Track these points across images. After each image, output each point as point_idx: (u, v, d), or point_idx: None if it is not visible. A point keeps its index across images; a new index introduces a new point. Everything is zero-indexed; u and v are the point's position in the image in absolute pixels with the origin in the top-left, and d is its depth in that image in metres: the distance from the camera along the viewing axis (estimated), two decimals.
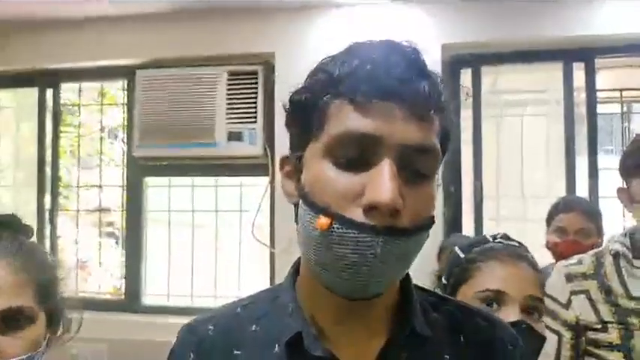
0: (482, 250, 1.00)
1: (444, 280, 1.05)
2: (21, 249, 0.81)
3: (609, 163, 2.60)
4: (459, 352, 0.64)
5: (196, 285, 2.99)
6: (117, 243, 3.91)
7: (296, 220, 0.62)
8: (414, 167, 0.56)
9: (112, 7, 2.74)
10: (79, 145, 3.23)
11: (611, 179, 2.58)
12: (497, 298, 0.93)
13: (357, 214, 0.54)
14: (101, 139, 3.28)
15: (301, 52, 2.61)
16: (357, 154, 0.56)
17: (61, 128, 3.15)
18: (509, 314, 0.91)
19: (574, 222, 1.97)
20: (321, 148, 0.57)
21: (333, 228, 0.54)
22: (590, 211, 2.03)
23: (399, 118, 0.55)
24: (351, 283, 0.56)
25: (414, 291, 0.65)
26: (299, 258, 0.67)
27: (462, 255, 1.03)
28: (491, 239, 1.03)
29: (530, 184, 3.21)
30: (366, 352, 0.61)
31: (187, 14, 2.76)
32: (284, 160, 0.65)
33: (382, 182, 0.53)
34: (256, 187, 2.87)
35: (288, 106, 0.63)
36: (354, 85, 0.56)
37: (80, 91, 3.17)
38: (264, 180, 2.74)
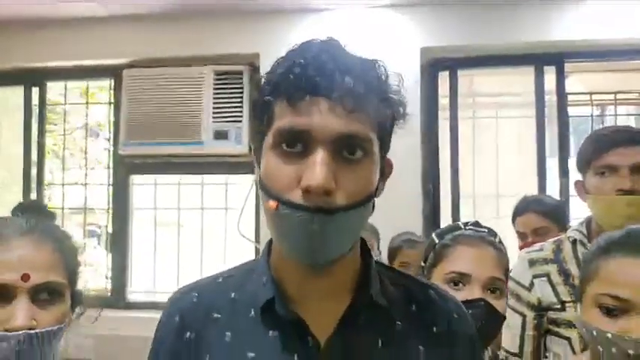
0: (453, 237, 1.11)
1: (422, 263, 1.15)
2: (56, 233, 0.90)
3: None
4: (411, 319, 0.73)
5: (182, 282, 3.03)
6: (100, 240, 3.94)
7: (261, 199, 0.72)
8: (346, 152, 0.65)
9: (99, 8, 2.79)
10: (64, 144, 3.26)
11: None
12: (462, 278, 1.05)
13: (297, 197, 0.64)
14: (86, 137, 3.30)
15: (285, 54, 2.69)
16: (295, 146, 0.65)
17: (47, 127, 3.17)
18: (472, 293, 1.02)
19: (528, 223, 2.01)
20: (270, 142, 0.67)
21: (279, 209, 0.64)
22: (546, 210, 2.03)
23: (327, 112, 0.63)
24: (302, 253, 0.66)
25: (373, 265, 0.75)
26: (271, 238, 0.77)
27: (437, 240, 1.14)
28: (463, 226, 1.13)
29: (504, 183, 3.35)
30: (329, 315, 0.70)
31: (174, 15, 2.82)
32: (252, 153, 0.76)
33: (314, 168, 0.63)
34: (242, 185, 2.94)
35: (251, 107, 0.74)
36: (288, 87, 0.65)
37: (66, 90, 3.19)
38: (250, 178, 2.81)
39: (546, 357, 1.44)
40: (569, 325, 1.37)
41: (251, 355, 0.70)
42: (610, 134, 1.39)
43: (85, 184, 3.18)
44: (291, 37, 2.76)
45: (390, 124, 0.71)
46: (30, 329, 0.79)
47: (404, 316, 0.73)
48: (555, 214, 2.04)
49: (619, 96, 3.29)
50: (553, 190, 2.70)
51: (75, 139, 3.76)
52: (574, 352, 1.37)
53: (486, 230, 1.12)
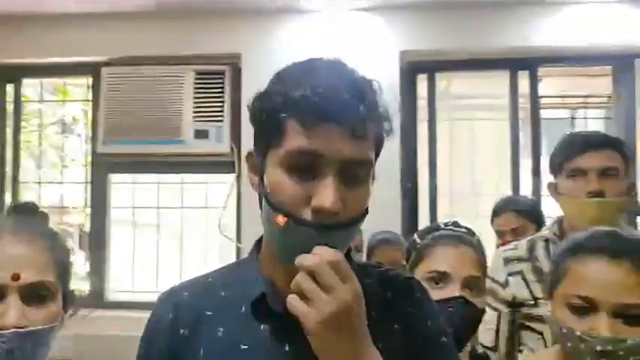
0: (433, 237, 1.16)
1: (403, 262, 1.20)
2: (48, 232, 0.90)
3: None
4: (386, 304, 0.80)
5: (162, 281, 3.04)
6: (74, 239, 3.89)
7: (260, 207, 0.75)
8: (352, 176, 0.70)
9: (75, 5, 2.76)
10: (40, 142, 3.21)
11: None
12: (442, 277, 1.09)
13: (307, 214, 0.69)
14: (63, 135, 3.26)
15: (267, 54, 2.72)
16: (306, 167, 0.69)
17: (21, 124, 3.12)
18: (451, 291, 1.07)
19: (505, 223, 2.09)
20: (279, 159, 0.71)
21: (289, 224, 0.69)
22: (523, 210, 2.10)
23: (339, 138, 0.68)
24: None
25: (353, 260, 0.79)
26: (261, 236, 0.82)
27: (418, 240, 1.18)
28: (443, 226, 1.18)
29: (480, 182, 3.44)
30: None
31: (155, 14, 2.81)
32: (249, 155, 0.79)
33: (327, 191, 0.68)
34: (222, 184, 2.95)
35: (250, 107, 0.76)
36: (304, 110, 0.69)
37: (42, 87, 3.15)
38: (231, 177, 2.82)
39: (520, 351, 1.50)
40: (542, 320, 1.43)
41: (244, 347, 0.74)
42: (581, 138, 1.46)
43: (62, 182, 3.14)
44: (272, 38, 2.82)
45: (382, 143, 0.76)
46: (21, 328, 0.80)
47: (381, 303, 0.80)
48: (532, 214, 2.11)
49: (589, 99, 3.42)
50: (526, 190, 2.79)
51: (48, 137, 3.70)
52: (546, 346, 1.43)
53: (465, 230, 1.17)
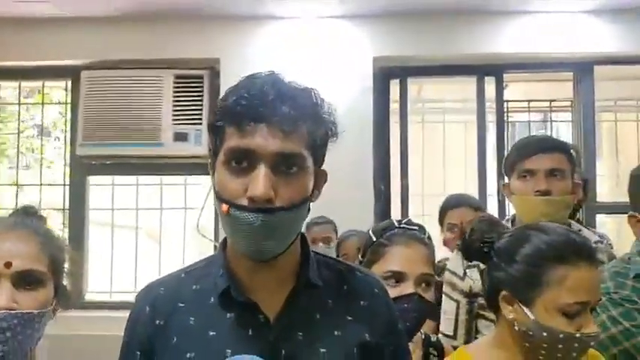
0: (388, 236, 1.23)
1: (359, 258, 1.28)
2: (42, 230, 0.98)
3: None
4: (341, 297, 0.89)
5: (140, 281, 3.07)
6: None
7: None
8: (284, 167, 0.79)
9: (54, 8, 2.79)
10: (18, 144, 3.22)
11: None
12: (397, 276, 1.18)
13: (244, 203, 0.78)
14: (41, 137, 3.28)
15: (244, 59, 2.79)
16: (241, 162, 0.79)
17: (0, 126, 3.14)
18: (407, 288, 1.16)
19: (464, 215, 2.16)
20: (221, 159, 0.81)
21: (231, 212, 0.78)
22: (477, 205, 2.26)
23: (267, 135, 0.78)
24: (249, 249, 0.80)
25: (311, 254, 0.89)
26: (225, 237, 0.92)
27: (374, 238, 1.25)
28: (397, 224, 1.25)
29: (450, 183, 3.56)
30: (276, 297, 0.85)
31: (134, 18, 2.86)
32: (209, 165, 0.89)
33: (257, 181, 0.77)
34: (201, 185, 3.00)
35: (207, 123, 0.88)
36: (235, 115, 0.79)
37: (19, 89, 3.16)
38: (209, 179, 2.87)
39: (477, 338, 1.61)
40: None
41: (212, 333, 0.83)
42: (531, 142, 1.57)
43: (40, 184, 3.15)
44: (250, 43, 2.90)
45: (321, 141, 0.85)
46: (11, 310, 0.87)
47: (337, 295, 0.89)
48: (484, 210, 2.27)
49: (554, 104, 3.58)
50: (492, 190, 2.92)
51: (26, 139, 3.70)
52: None
53: (417, 228, 1.25)
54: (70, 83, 3.02)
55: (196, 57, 2.87)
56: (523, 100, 3.61)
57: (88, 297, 3.04)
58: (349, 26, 2.86)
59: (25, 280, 0.90)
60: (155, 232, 3.23)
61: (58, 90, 3.32)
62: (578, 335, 0.98)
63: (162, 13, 2.82)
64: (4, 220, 0.97)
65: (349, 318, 0.88)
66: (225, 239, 0.90)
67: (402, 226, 1.24)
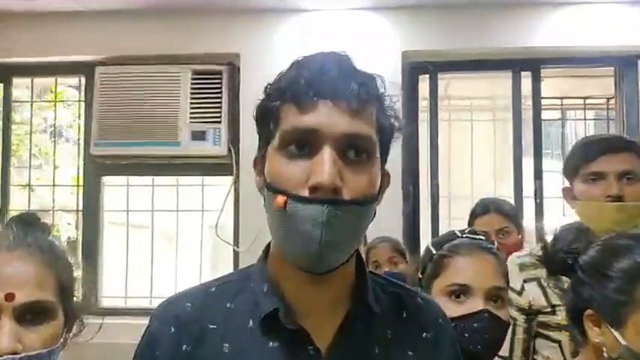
0: (450, 247, 1.09)
1: (419, 274, 1.14)
2: (47, 246, 0.83)
3: (547, 166, 2.82)
4: (401, 325, 0.76)
5: (156, 286, 2.96)
6: (67, 242, 3.79)
7: (265, 205, 0.71)
8: (352, 154, 0.67)
9: (68, 3, 2.68)
10: (30, 143, 3.12)
11: (549, 181, 2.80)
12: (463, 290, 1.03)
13: (305, 194, 0.65)
14: (54, 136, 3.17)
15: (266, 54, 2.66)
16: (302, 145, 0.67)
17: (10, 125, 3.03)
18: (474, 305, 1.01)
19: (492, 223, 2.03)
20: (276, 144, 0.68)
21: (288, 204, 0.65)
22: (507, 211, 2.07)
23: (333, 113, 0.66)
24: (308, 256, 0.65)
25: (367, 273, 0.76)
26: (267, 245, 0.77)
27: (434, 251, 1.12)
28: (459, 234, 1.12)
29: (478, 185, 3.41)
30: (328, 323, 0.71)
31: (150, 12, 2.74)
32: (255, 161, 0.76)
33: (322, 167, 0.64)
34: (219, 186, 2.88)
35: (254, 115, 0.74)
36: (295, 90, 0.67)
37: (32, 86, 3.05)
38: (228, 180, 2.76)
39: (534, 359, 1.46)
40: (559, 327, 1.39)
41: None
42: (597, 142, 1.42)
43: (53, 185, 3.05)
44: (272, 37, 2.76)
45: (390, 132, 0.72)
46: (15, 353, 0.73)
47: (395, 323, 0.76)
48: (515, 216, 2.10)
49: (587, 101, 3.41)
50: (528, 192, 2.77)
51: (39, 138, 3.61)
52: (564, 356, 1.39)
53: (483, 237, 1.12)
54: (83, 80, 2.91)
55: (215, 52, 2.73)
56: (557, 97, 3.45)
57: (104, 303, 2.92)
58: (376, 18, 2.71)
59: (31, 314, 0.76)
60: (171, 235, 3.11)
61: (71, 88, 3.22)
62: None
63: (179, 5, 2.70)
64: (0, 236, 0.81)
65: (410, 353, 0.74)
66: (267, 248, 0.75)
67: (465, 235, 1.09)
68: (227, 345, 0.70)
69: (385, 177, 0.73)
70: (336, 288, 0.72)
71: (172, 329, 0.71)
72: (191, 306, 0.73)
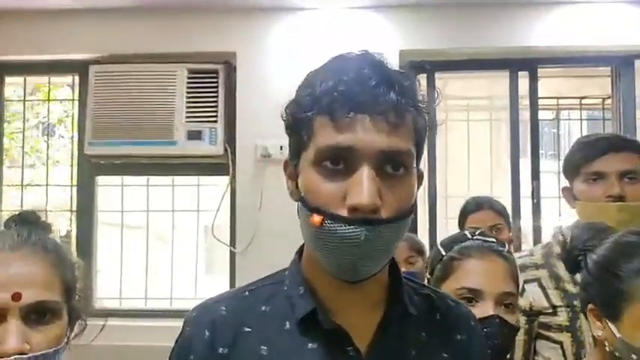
0: (461, 249, 1.07)
1: (427, 275, 1.12)
2: (52, 245, 0.82)
3: (542, 166, 2.82)
4: (435, 327, 0.76)
5: (151, 287, 2.93)
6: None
7: (298, 214, 0.71)
8: (390, 168, 0.66)
9: (62, 1, 2.64)
10: (23, 142, 3.08)
11: (543, 181, 2.80)
12: (474, 294, 1.02)
13: (343, 214, 0.64)
14: (47, 136, 3.14)
15: (262, 53, 2.64)
16: (338, 163, 0.65)
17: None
18: (485, 310, 1.00)
19: (485, 219, 2.05)
20: (311, 159, 0.67)
21: (325, 224, 0.64)
22: (498, 208, 2.11)
23: (372, 129, 0.64)
24: (343, 269, 0.66)
25: (402, 276, 0.75)
26: (301, 246, 0.76)
27: (443, 252, 1.10)
28: (470, 236, 1.10)
29: (475, 185, 3.41)
30: (366, 324, 0.72)
31: (146, 10, 2.71)
32: (286, 163, 0.75)
33: (361, 187, 0.63)
34: (215, 186, 2.86)
35: (284, 117, 0.72)
36: (331, 103, 0.65)
37: (25, 85, 3.02)
38: (224, 180, 2.74)
39: None
40: (560, 328, 1.38)
41: None
42: (598, 141, 1.41)
43: (47, 184, 3.02)
44: (269, 36, 2.73)
45: (424, 134, 0.71)
46: (22, 354, 0.73)
47: (429, 325, 0.76)
48: (505, 215, 2.13)
49: (583, 101, 3.42)
50: (524, 192, 2.76)
51: (31, 137, 3.57)
52: (565, 357, 1.38)
53: (493, 240, 1.10)
54: (77, 78, 2.87)
55: (211, 50, 2.70)
56: (552, 97, 3.45)
57: (98, 304, 2.89)
58: (373, 17, 2.69)
59: (37, 314, 0.76)
60: (166, 235, 3.08)
61: (63, 87, 3.18)
62: None
63: (175, 3, 2.67)
64: (3, 235, 0.80)
65: (445, 355, 0.74)
66: (300, 251, 0.75)
67: (475, 237, 1.07)
68: (265, 347, 0.70)
69: (419, 178, 0.72)
70: (372, 291, 0.72)
71: (207, 333, 0.71)
72: (225, 310, 0.73)
